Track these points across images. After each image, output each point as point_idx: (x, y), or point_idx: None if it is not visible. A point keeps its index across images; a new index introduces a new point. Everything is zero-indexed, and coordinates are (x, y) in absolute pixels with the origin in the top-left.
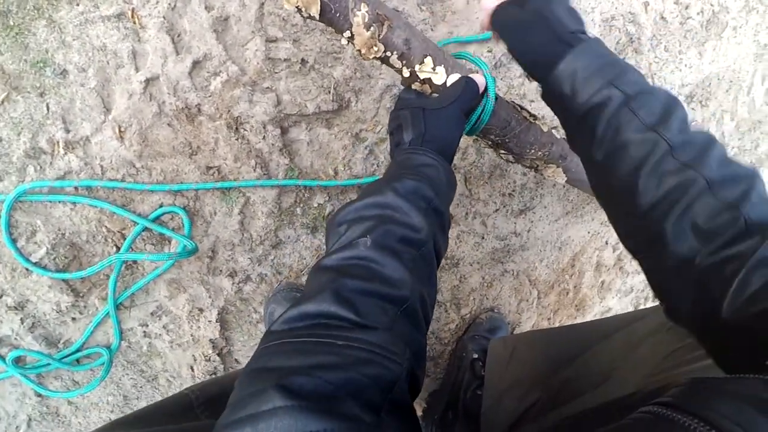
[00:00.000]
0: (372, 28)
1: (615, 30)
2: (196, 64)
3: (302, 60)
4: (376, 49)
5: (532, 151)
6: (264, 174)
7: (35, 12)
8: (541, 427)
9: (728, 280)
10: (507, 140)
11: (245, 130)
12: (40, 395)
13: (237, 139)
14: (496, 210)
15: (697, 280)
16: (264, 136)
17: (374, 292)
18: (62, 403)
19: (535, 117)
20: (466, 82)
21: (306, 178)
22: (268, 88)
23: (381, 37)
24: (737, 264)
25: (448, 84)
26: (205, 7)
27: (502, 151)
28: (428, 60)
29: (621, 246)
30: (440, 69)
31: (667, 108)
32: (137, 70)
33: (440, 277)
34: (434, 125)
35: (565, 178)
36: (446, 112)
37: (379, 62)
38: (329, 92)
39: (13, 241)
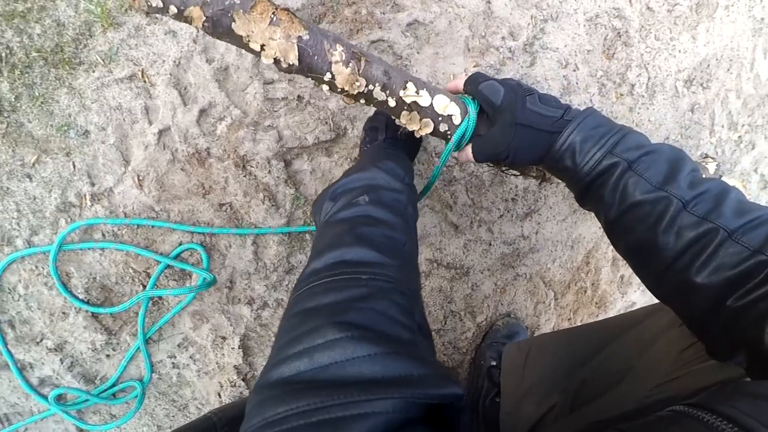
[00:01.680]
0: (351, 64)
1: (601, 27)
2: (202, 112)
3: (298, 97)
4: (358, 83)
5: None
6: (272, 205)
7: (57, 82)
8: (561, 431)
9: (764, 316)
10: None
11: (252, 166)
12: (81, 430)
13: (245, 176)
14: (501, 216)
15: (732, 321)
16: (269, 171)
17: (382, 234)
18: None
19: None
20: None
21: (312, 204)
22: (269, 126)
23: (360, 71)
24: None
25: (435, 106)
26: (206, 60)
27: (504, 167)
28: (410, 85)
29: None
30: (423, 92)
31: (673, 165)
32: (150, 123)
33: (451, 287)
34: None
35: None
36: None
37: (365, 104)
38: (326, 123)
39: (62, 286)
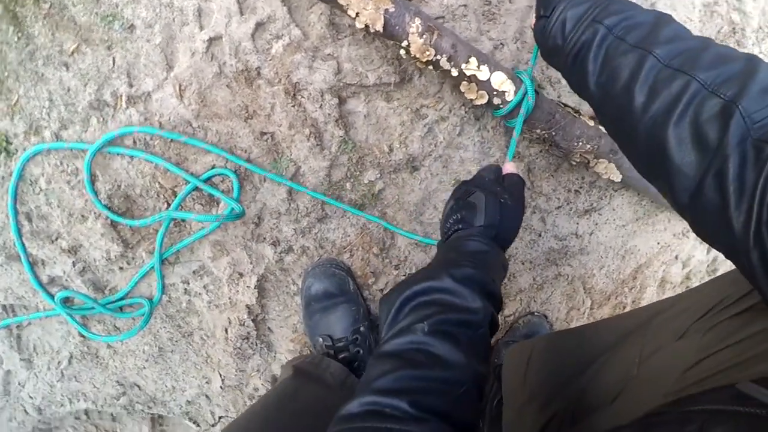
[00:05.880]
0: (424, 36)
1: (717, 17)
2: (259, 25)
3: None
4: (428, 53)
5: (580, 144)
6: (317, 144)
7: None
8: None
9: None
10: (553, 133)
11: (303, 97)
12: (82, 336)
13: (293, 106)
14: (559, 207)
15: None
16: (321, 105)
17: (433, 377)
18: (102, 346)
19: (578, 112)
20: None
21: (359, 152)
22: (329, 54)
23: (432, 42)
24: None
25: (492, 81)
26: None
27: (549, 146)
28: (473, 60)
29: (692, 263)
30: (484, 67)
31: (655, 25)
32: (201, 28)
33: None
34: (508, 218)
35: (620, 176)
36: (517, 210)
37: (432, 69)
38: (392, 63)
39: (90, 184)
